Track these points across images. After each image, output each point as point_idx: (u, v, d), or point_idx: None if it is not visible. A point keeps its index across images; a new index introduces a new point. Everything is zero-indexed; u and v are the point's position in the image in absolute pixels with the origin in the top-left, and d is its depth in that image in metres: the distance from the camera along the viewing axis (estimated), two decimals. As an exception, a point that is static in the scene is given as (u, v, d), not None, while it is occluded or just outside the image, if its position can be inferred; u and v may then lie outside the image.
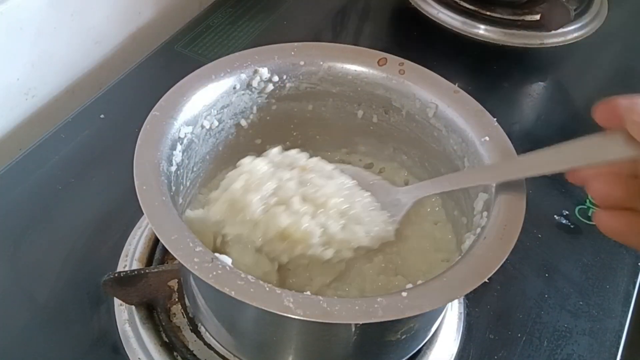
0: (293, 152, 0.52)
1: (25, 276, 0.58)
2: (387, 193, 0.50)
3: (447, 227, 0.54)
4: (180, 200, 0.50)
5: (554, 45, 0.89)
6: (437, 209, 0.56)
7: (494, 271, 0.39)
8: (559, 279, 0.62)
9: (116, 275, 0.51)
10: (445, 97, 0.52)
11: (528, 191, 0.45)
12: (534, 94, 0.88)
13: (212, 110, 0.51)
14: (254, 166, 0.48)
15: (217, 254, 0.39)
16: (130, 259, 0.58)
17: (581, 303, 0.61)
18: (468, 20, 0.90)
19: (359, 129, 0.58)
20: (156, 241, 0.60)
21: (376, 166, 0.60)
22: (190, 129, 0.49)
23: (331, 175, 0.50)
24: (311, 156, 0.52)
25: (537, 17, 0.90)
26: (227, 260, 0.41)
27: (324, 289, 0.49)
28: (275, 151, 0.51)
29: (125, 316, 0.54)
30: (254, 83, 0.53)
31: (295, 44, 0.55)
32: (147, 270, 0.52)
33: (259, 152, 0.58)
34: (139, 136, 0.45)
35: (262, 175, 0.47)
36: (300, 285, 0.49)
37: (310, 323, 0.39)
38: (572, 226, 0.68)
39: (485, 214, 0.45)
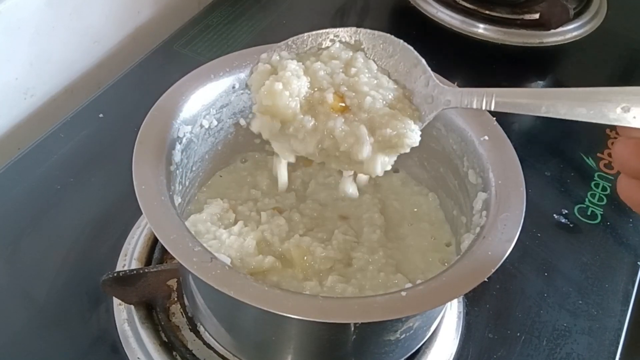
0: (337, 59, 0.47)
1: (24, 276, 0.58)
2: (425, 83, 0.46)
3: (445, 227, 0.55)
4: (180, 200, 0.50)
5: (553, 44, 0.89)
6: (434, 209, 0.56)
7: (493, 270, 0.39)
8: (558, 278, 0.62)
9: (115, 274, 0.51)
10: (444, 96, 0.52)
11: (528, 190, 0.45)
12: (533, 93, 0.88)
13: (211, 109, 0.51)
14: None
15: (216, 254, 0.39)
16: (129, 258, 0.58)
17: (580, 302, 0.61)
18: (467, 19, 0.90)
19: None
20: (155, 241, 0.59)
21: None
22: (189, 128, 0.49)
23: (366, 90, 0.45)
24: None
25: (537, 16, 0.90)
26: (226, 259, 0.41)
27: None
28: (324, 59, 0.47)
29: (125, 315, 0.54)
30: (253, 82, 0.53)
31: (295, 43, 0.55)
32: (146, 270, 0.52)
33: (258, 151, 0.58)
34: (138, 136, 0.45)
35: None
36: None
37: (309, 322, 0.39)
38: (571, 225, 0.68)
39: (484, 213, 0.45)
